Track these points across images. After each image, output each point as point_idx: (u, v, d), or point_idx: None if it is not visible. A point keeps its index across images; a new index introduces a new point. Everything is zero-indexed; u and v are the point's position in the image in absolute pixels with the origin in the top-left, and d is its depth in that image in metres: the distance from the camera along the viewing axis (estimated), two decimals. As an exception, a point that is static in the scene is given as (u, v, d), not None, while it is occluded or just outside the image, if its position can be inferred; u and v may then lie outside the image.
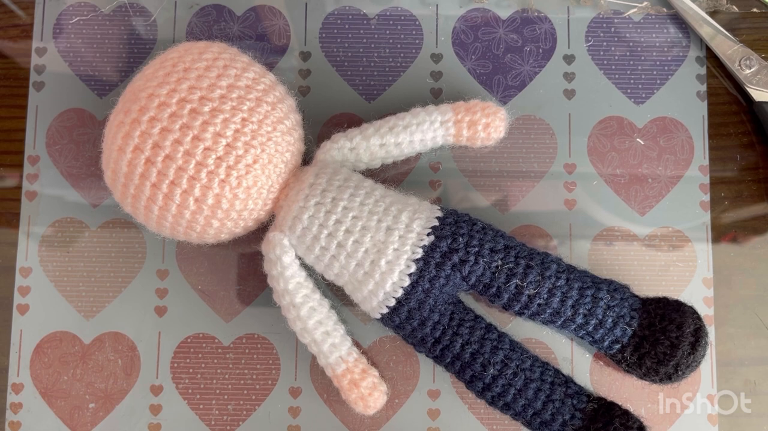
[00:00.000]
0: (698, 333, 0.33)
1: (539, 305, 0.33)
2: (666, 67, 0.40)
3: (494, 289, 0.34)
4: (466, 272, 0.33)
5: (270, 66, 0.39)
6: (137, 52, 0.40)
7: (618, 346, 0.34)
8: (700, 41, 0.40)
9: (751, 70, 0.38)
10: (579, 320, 0.33)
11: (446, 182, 0.39)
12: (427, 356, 0.35)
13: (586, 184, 0.39)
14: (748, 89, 0.39)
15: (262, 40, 0.40)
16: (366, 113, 0.39)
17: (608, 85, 0.40)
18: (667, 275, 0.38)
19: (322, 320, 0.35)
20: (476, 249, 0.33)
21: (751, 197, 0.39)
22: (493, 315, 0.37)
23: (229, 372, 0.38)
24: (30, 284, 0.38)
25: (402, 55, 0.40)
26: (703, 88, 0.40)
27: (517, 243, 0.34)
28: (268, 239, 0.34)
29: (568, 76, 0.40)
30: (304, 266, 0.35)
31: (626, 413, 0.33)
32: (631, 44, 0.40)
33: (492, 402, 0.34)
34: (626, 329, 0.34)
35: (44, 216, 0.39)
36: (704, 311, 0.38)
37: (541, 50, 0.40)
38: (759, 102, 0.38)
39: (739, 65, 0.39)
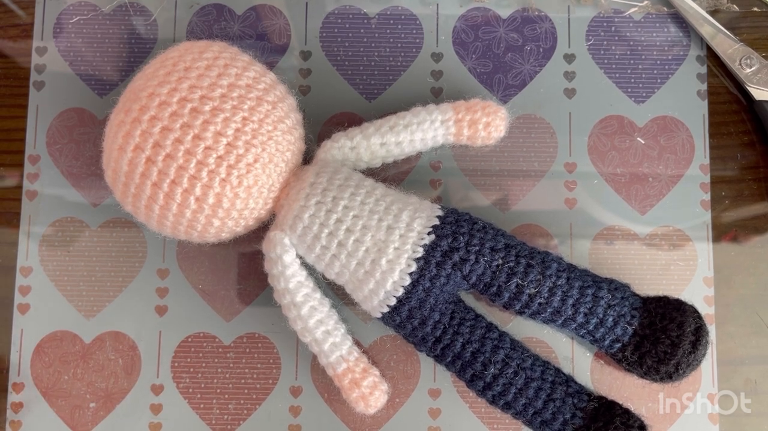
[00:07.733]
0: (699, 332, 0.33)
1: (540, 304, 0.33)
2: (666, 66, 0.40)
3: (495, 288, 0.34)
4: (467, 271, 0.33)
5: (270, 65, 0.39)
6: (137, 51, 0.40)
7: (619, 345, 0.34)
8: (701, 40, 0.40)
9: (752, 69, 0.38)
10: (580, 319, 0.33)
11: (447, 181, 0.39)
12: (427, 355, 0.35)
13: (586, 183, 0.39)
14: (748, 88, 0.39)
15: (262, 40, 0.40)
16: (366, 112, 0.39)
17: (609, 85, 0.40)
18: (668, 274, 0.38)
19: (322, 320, 0.35)
20: (477, 248, 0.33)
21: (751, 196, 0.39)
22: (493, 314, 0.37)
23: (230, 372, 0.37)
24: (30, 283, 0.38)
25: (402, 54, 0.40)
26: (704, 87, 0.40)
27: (517, 242, 0.34)
28: (269, 238, 0.34)
29: (569, 75, 0.40)
30: (305, 265, 0.35)
31: (627, 412, 0.33)
32: (631, 43, 0.40)
33: (493, 401, 0.34)
34: (627, 328, 0.34)
35: (44, 216, 0.39)
36: (705, 310, 0.38)
37: (541, 49, 0.40)
38: (759, 101, 0.38)
39: (740, 64, 0.39)
